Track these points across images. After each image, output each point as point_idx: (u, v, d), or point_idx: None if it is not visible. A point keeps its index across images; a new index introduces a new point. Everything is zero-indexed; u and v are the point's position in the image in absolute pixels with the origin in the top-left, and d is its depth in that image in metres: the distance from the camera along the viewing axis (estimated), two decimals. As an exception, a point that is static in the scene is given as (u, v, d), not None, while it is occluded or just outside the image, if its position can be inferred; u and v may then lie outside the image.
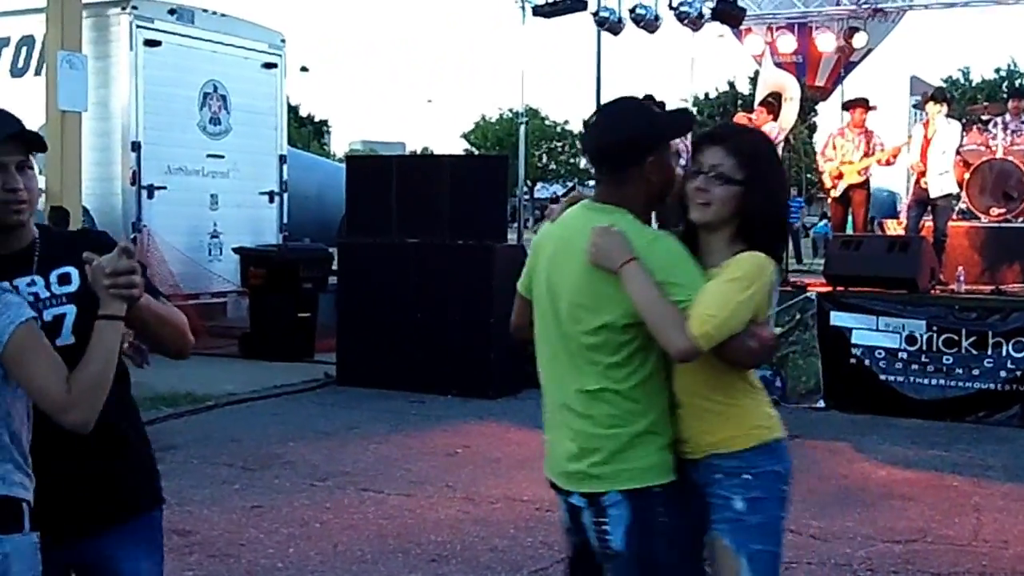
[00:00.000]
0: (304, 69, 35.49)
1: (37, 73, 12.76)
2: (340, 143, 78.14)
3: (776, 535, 2.93)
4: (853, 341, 9.62)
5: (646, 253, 2.76)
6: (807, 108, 15.00)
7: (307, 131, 56.28)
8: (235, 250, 12.92)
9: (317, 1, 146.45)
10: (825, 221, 25.47)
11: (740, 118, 12.69)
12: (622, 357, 2.81)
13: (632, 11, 13.59)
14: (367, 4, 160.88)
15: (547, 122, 68.52)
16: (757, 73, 18.21)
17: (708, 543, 2.90)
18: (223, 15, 14.29)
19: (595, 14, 13.72)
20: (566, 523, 3.01)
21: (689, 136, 3.09)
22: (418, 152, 58.60)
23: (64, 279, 2.63)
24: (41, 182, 2.97)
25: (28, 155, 2.59)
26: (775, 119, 12.39)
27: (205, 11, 13.93)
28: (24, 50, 13.46)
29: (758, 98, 13.82)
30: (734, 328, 2.73)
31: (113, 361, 2.44)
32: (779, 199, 3.01)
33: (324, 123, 68.91)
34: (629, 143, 2.84)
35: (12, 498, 2.44)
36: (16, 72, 13.43)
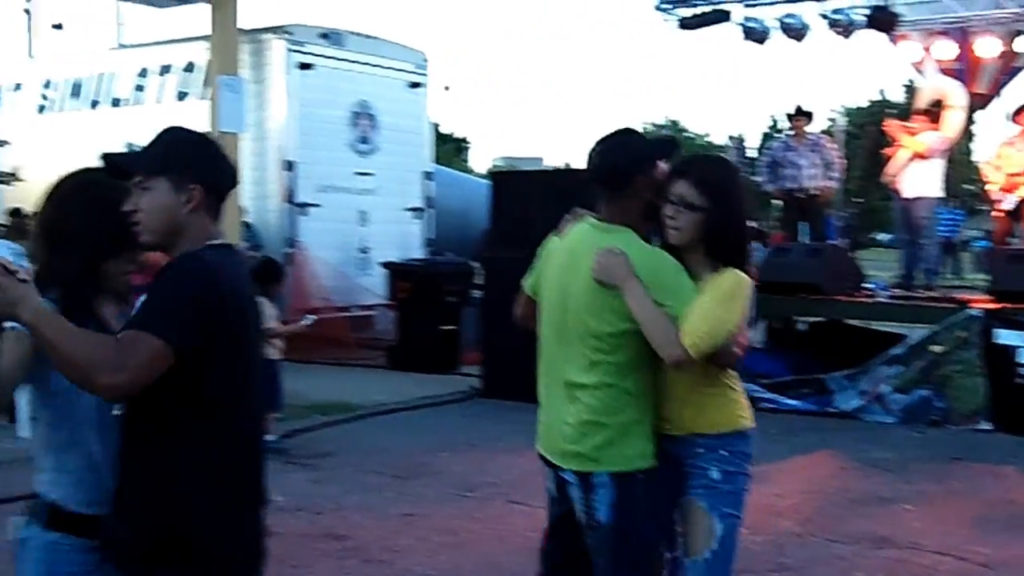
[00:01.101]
0: (446, 88, 35.93)
1: (200, 97, 13.30)
2: (479, 159, 79.04)
3: (741, 504, 3.39)
4: (1021, 360, 9.18)
5: (645, 270, 3.22)
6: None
7: (448, 148, 57.16)
8: (383, 265, 13.21)
9: (456, 20, 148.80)
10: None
11: (895, 127, 12.35)
12: (622, 358, 3.27)
13: (780, 20, 13.42)
14: (505, 21, 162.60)
15: (687, 134, 67.99)
16: (912, 81, 17.67)
17: (682, 505, 3.35)
18: (371, 37, 14.67)
19: (741, 24, 13.61)
20: (552, 493, 3.48)
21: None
22: (557, 167, 58.73)
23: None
24: None
25: (146, 175, 2.59)
26: (936, 128, 12.02)
27: (354, 33, 14.32)
28: (187, 76, 14.05)
29: (918, 106, 13.43)
30: (719, 340, 3.19)
31: None
32: (738, 221, 3.41)
33: (463, 140, 69.80)
34: (621, 166, 3.33)
35: (41, 499, 2.68)
36: (180, 96, 14.01)
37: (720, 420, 3.36)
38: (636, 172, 3.32)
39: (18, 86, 16.47)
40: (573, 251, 3.39)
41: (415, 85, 14.89)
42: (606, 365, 3.27)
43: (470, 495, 6.99)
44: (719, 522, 3.31)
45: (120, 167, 2.67)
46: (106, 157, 2.66)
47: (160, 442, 2.50)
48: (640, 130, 3.73)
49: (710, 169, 3.48)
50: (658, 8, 13.84)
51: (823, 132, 14.23)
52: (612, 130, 3.49)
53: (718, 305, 3.20)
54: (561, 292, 3.38)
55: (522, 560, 5.71)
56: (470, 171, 48.53)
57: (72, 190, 2.77)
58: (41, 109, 16.10)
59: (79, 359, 2.35)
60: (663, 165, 3.39)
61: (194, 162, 2.62)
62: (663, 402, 3.35)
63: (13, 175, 15.95)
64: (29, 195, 15.22)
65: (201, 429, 2.50)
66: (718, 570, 3.34)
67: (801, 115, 12.48)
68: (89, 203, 2.71)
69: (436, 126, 20.89)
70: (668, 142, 3.79)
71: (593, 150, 3.41)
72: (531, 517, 6.46)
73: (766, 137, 43.99)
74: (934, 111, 12.38)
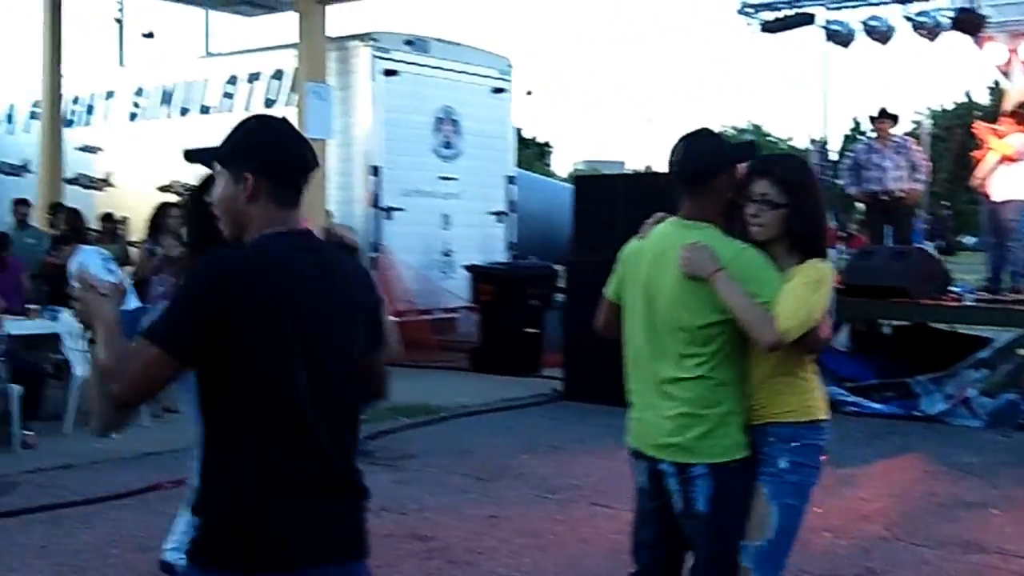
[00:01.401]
0: (528, 93, 36.08)
1: (288, 104, 13.58)
2: (561, 163, 79.17)
3: (806, 496, 3.49)
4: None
5: (732, 262, 3.35)
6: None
7: (530, 152, 57.36)
8: (466, 268, 13.36)
9: (538, 26, 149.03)
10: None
11: (983, 129, 12.16)
12: (713, 349, 3.38)
13: (864, 23, 13.29)
14: (587, 26, 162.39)
15: (769, 138, 67.36)
16: (997, 83, 17.35)
17: (750, 490, 3.43)
18: (455, 43, 14.81)
19: (824, 27, 13.50)
20: (644, 486, 3.58)
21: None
22: (639, 171, 58.69)
23: None
24: None
25: (216, 167, 2.64)
26: (1023, 130, 11.81)
27: (439, 40, 14.47)
28: (275, 83, 14.34)
29: (1004, 108, 13.21)
30: (811, 323, 3.33)
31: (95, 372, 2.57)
32: (817, 216, 3.58)
33: (546, 144, 69.96)
34: (704, 164, 3.48)
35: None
36: (268, 103, 14.30)
37: (794, 409, 3.45)
38: (718, 171, 3.47)
39: (110, 94, 16.91)
40: (658, 250, 3.50)
41: (499, 90, 14.99)
42: (698, 358, 3.37)
43: (553, 497, 7.05)
44: (777, 511, 3.40)
45: (198, 162, 2.73)
46: (186, 153, 2.73)
47: (211, 436, 2.49)
48: (722, 133, 3.81)
49: (789, 168, 3.64)
50: (740, 12, 13.78)
51: (907, 134, 14.03)
52: (692, 130, 3.61)
53: (807, 290, 3.34)
54: (648, 290, 3.48)
55: (605, 563, 5.75)
56: (552, 175, 48.67)
57: (191, 201, 2.90)
58: (132, 116, 16.51)
59: (105, 369, 2.42)
60: (743, 166, 3.54)
61: (246, 149, 2.57)
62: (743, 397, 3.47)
63: (105, 181, 16.41)
64: (121, 200, 15.72)
65: (240, 424, 2.45)
66: (772, 557, 3.44)
67: (886, 117, 12.36)
68: (196, 210, 2.83)
69: (519, 131, 21.00)
70: (749, 145, 3.94)
71: (675, 149, 3.55)
72: (614, 519, 6.51)
73: (847, 140, 43.35)
74: (1021, 113, 12.15)
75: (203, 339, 2.38)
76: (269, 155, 2.56)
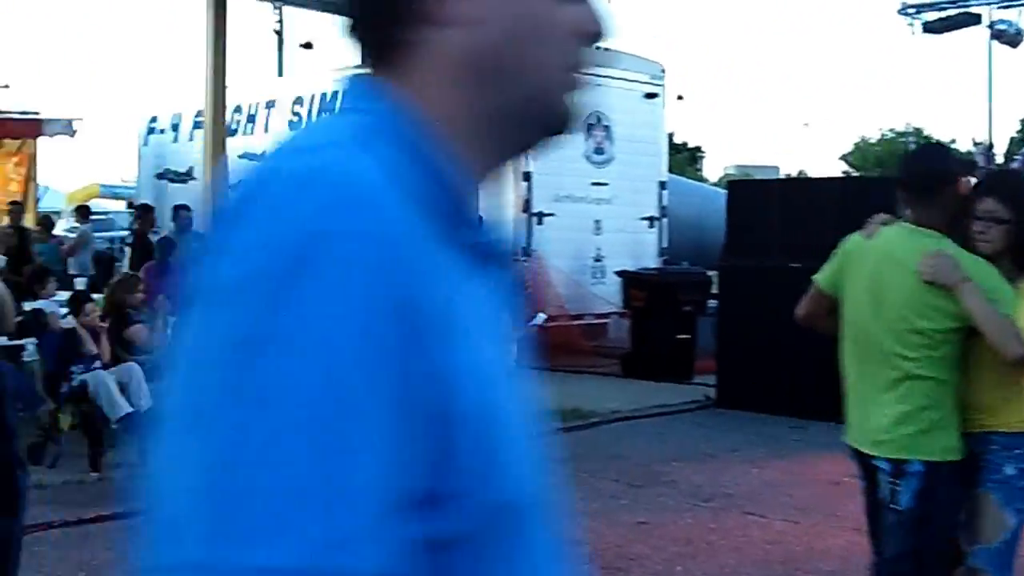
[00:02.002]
0: (680, 97, 35.74)
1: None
2: (712, 168, 78.32)
3: None
4: None
5: (972, 274, 3.48)
6: None
7: (681, 157, 56.98)
8: (617, 273, 13.32)
9: (691, 30, 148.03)
10: None
11: None
12: (942, 353, 3.53)
13: (1033, 21, 12.82)
14: (740, 30, 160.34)
15: (931, 141, 65.41)
16: None
17: (974, 497, 3.58)
18: (607, 49, 14.80)
19: (991, 27, 13.08)
20: (863, 483, 3.77)
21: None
22: (793, 176, 57.73)
23: None
24: None
25: None
26: None
27: None
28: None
29: None
30: None
31: None
32: None
33: (697, 149, 69.33)
34: (937, 176, 3.69)
35: None
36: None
37: (1013, 421, 3.60)
38: (947, 182, 3.68)
39: (271, 103, 17.45)
40: (887, 250, 3.67)
41: (651, 95, 14.95)
42: (926, 361, 3.53)
43: (705, 505, 7.01)
44: (1013, 516, 3.58)
45: None
46: None
47: None
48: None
49: (1013, 185, 3.89)
50: (901, 12, 13.46)
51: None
52: (925, 144, 3.83)
53: None
54: (874, 290, 3.65)
55: (758, 571, 5.72)
56: (703, 180, 48.26)
57: None
58: (292, 125, 17.01)
59: None
60: (965, 181, 3.78)
61: None
62: (962, 403, 3.61)
63: (268, 186, 16.95)
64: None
65: None
66: (1006, 559, 3.63)
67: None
68: None
69: (670, 135, 20.88)
70: (971, 163, 4.27)
71: (907, 159, 3.92)
72: (767, 528, 6.45)
73: (1013, 142, 41.82)
74: None
75: None
76: None
